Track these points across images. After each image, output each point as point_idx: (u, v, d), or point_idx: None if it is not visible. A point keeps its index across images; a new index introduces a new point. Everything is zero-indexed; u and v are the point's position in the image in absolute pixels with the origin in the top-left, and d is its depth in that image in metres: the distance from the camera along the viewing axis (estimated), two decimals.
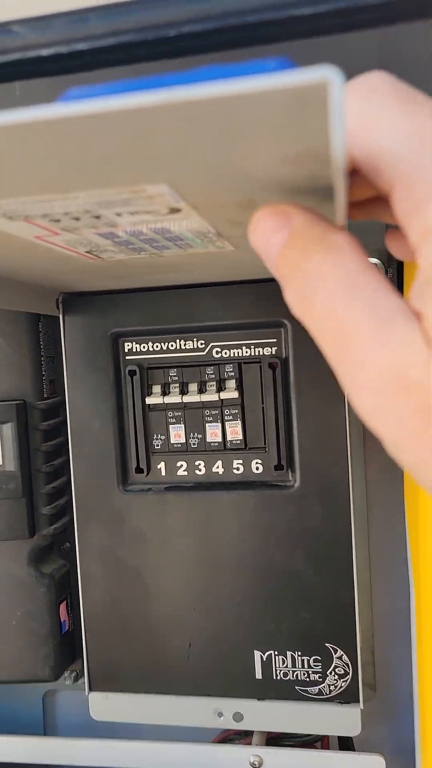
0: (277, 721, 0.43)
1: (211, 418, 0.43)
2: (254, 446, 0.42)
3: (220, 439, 0.43)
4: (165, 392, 0.43)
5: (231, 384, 0.42)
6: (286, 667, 0.42)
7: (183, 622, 0.43)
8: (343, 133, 0.14)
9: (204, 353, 0.42)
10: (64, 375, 0.44)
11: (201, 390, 0.43)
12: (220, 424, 0.43)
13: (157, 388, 0.43)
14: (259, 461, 0.42)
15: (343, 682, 0.42)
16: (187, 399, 0.42)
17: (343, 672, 0.42)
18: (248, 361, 0.42)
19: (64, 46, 0.20)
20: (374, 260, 0.39)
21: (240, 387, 0.42)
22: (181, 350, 0.43)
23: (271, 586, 0.42)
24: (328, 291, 0.18)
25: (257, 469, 0.42)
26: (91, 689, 0.45)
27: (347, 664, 0.42)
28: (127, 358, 0.43)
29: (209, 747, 0.44)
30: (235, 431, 0.42)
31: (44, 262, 0.30)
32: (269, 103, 0.13)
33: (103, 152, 0.16)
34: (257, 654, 0.43)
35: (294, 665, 0.42)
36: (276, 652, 0.42)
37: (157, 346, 0.43)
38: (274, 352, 0.42)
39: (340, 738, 0.46)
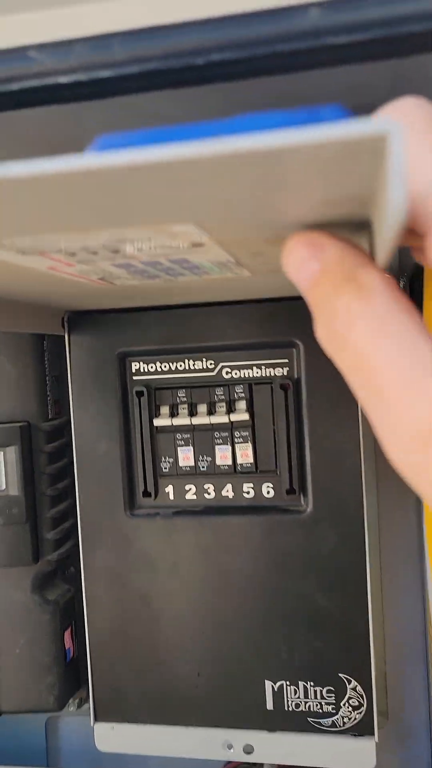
0: (289, 753, 0.42)
1: (220, 441, 0.41)
2: (265, 470, 0.41)
3: (230, 462, 0.41)
4: (173, 414, 0.42)
5: (241, 405, 0.41)
6: (298, 697, 0.41)
7: (191, 651, 0.42)
8: (404, 187, 0.13)
9: (213, 374, 0.41)
10: (69, 396, 0.42)
11: (210, 411, 0.41)
12: (230, 447, 0.41)
13: (165, 410, 0.42)
14: (270, 485, 0.41)
15: (357, 713, 0.41)
16: (196, 421, 0.41)
17: (357, 703, 0.41)
18: (259, 382, 0.41)
19: (85, 74, 0.19)
20: None
21: (251, 409, 0.41)
22: (189, 370, 0.42)
23: (282, 614, 0.41)
24: (358, 334, 0.17)
25: (268, 493, 0.41)
26: (96, 719, 0.43)
27: (361, 695, 0.41)
28: (134, 378, 0.42)
29: None
30: (245, 454, 0.41)
31: (52, 287, 0.29)
32: (324, 155, 0.12)
33: (135, 200, 0.14)
34: (268, 684, 0.41)
35: (306, 696, 0.41)
36: (288, 682, 0.41)
37: (165, 366, 0.42)
38: (285, 373, 0.40)
39: None
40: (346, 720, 0.41)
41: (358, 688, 0.41)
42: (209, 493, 0.42)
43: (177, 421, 0.41)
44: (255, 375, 0.41)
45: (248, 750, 0.42)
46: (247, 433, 0.41)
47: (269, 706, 0.41)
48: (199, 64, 0.18)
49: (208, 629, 0.42)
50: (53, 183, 0.13)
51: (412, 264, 0.41)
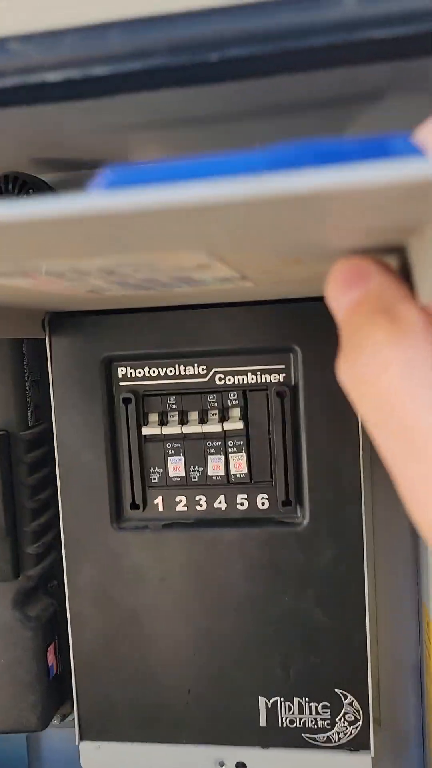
0: None
1: (213, 450, 0.39)
2: (260, 480, 0.39)
3: (223, 473, 0.39)
4: (163, 422, 0.39)
5: (235, 413, 0.39)
6: (293, 713, 0.40)
7: (181, 668, 0.40)
8: None
9: (206, 380, 0.39)
10: (51, 403, 0.40)
11: (202, 419, 0.39)
12: (223, 457, 0.39)
13: (153, 417, 0.40)
14: (265, 496, 0.39)
15: (353, 729, 0.40)
16: (187, 429, 0.39)
17: (353, 719, 0.40)
18: (254, 388, 0.39)
19: (77, 70, 0.16)
20: None
21: (245, 417, 0.39)
22: (180, 376, 0.39)
23: (277, 630, 0.39)
24: (390, 378, 0.15)
25: (263, 504, 0.39)
26: (82, 738, 0.42)
27: (358, 711, 0.39)
28: (120, 384, 0.40)
29: None
30: (239, 464, 0.39)
31: (32, 297, 0.26)
32: (389, 195, 0.10)
33: (145, 235, 0.12)
34: (262, 700, 0.40)
35: (301, 712, 0.40)
36: (282, 699, 0.40)
37: (153, 372, 0.39)
38: (282, 380, 0.38)
39: None
40: (341, 735, 0.40)
41: (355, 703, 0.39)
42: (201, 505, 0.40)
43: (167, 430, 0.39)
44: (250, 381, 0.39)
45: (241, 767, 0.41)
46: (241, 443, 0.39)
47: (263, 722, 0.40)
48: (213, 60, 0.15)
49: (199, 645, 0.40)
50: (57, 225, 0.11)
51: None
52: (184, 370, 0.39)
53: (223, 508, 0.40)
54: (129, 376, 0.39)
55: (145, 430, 0.39)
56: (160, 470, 0.40)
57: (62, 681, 0.44)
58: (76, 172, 0.47)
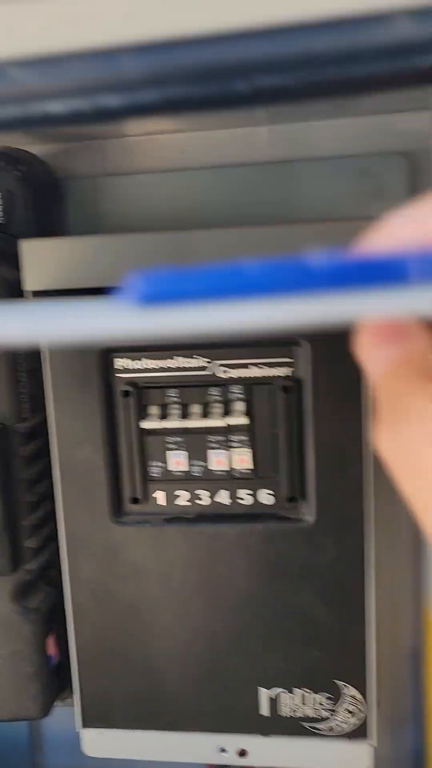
0: (284, 756, 0.41)
1: (216, 445, 0.38)
2: (264, 475, 0.38)
3: (226, 468, 0.38)
4: (163, 415, 0.38)
5: (239, 407, 0.37)
6: (294, 703, 0.40)
7: (182, 659, 0.40)
8: None
9: (208, 372, 0.37)
10: (47, 395, 0.38)
11: (205, 413, 0.38)
12: (226, 452, 0.38)
13: (153, 410, 0.38)
14: (270, 492, 0.38)
15: (354, 719, 0.40)
16: (188, 424, 0.37)
17: (354, 709, 0.40)
18: (259, 382, 0.37)
19: (83, 100, 0.14)
20: None
21: (250, 411, 0.37)
22: (181, 369, 0.37)
23: (279, 624, 0.39)
24: (426, 453, 0.14)
25: (267, 500, 0.38)
26: (84, 725, 0.42)
27: (359, 702, 0.40)
28: (118, 376, 0.38)
29: None
30: (242, 459, 0.38)
31: None
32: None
33: None
34: (263, 691, 0.40)
35: (303, 702, 0.40)
36: (283, 690, 0.40)
37: (153, 363, 0.38)
38: (288, 374, 0.37)
39: None
40: (342, 725, 0.40)
41: (357, 694, 0.39)
42: (203, 500, 0.39)
43: (167, 424, 0.38)
44: (255, 375, 0.37)
45: (242, 754, 0.41)
46: (246, 438, 0.38)
47: (264, 712, 0.40)
48: (240, 89, 0.13)
49: (200, 639, 0.40)
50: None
51: None
52: (186, 362, 0.37)
53: (226, 504, 0.39)
54: (128, 368, 0.38)
55: (145, 424, 0.38)
56: (161, 464, 0.39)
57: (62, 669, 0.44)
58: (68, 144, 0.44)
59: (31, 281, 0.36)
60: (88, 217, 0.47)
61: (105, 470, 0.38)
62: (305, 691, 0.40)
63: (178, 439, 0.38)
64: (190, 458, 0.38)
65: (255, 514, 0.38)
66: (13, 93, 0.14)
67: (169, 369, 0.37)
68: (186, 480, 0.39)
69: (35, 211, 0.43)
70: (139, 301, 0.09)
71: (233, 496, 0.39)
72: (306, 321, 0.08)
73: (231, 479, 0.38)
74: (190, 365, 0.37)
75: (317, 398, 0.36)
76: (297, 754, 0.41)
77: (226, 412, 0.37)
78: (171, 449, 0.38)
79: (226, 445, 0.38)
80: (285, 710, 0.40)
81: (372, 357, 0.15)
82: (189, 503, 0.39)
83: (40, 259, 0.36)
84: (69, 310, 0.08)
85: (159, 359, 0.37)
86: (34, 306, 0.08)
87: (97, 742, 0.42)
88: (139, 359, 0.38)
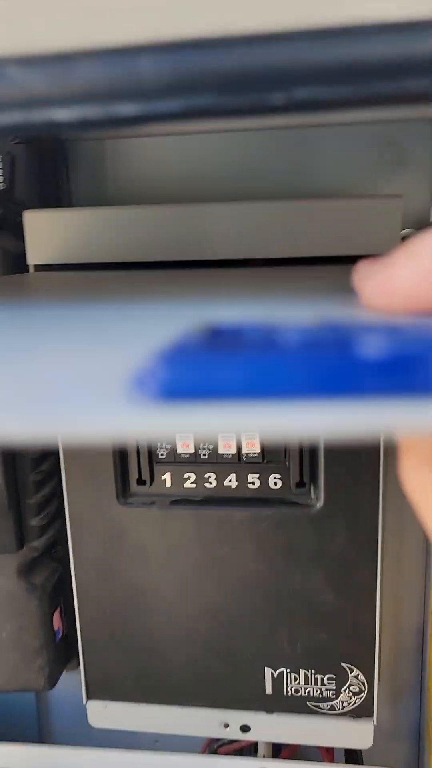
0: (286, 733, 0.41)
1: None
2: (273, 460, 0.37)
3: (234, 451, 0.37)
4: None
5: None
6: (298, 683, 0.40)
7: (188, 638, 0.40)
8: None
9: None
10: None
11: None
12: (234, 435, 0.37)
13: None
14: (278, 476, 0.37)
15: (357, 698, 0.40)
16: None
17: (358, 690, 0.40)
18: None
19: (95, 107, 0.12)
20: None
21: None
22: None
23: (285, 607, 0.39)
24: None
25: (275, 484, 0.38)
26: (89, 698, 0.42)
27: (363, 683, 0.40)
28: None
29: (215, 759, 0.43)
30: (251, 443, 0.37)
31: None
32: None
33: None
34: (268, 671, 0.40)
35: (307, 682, 0.40)
36: (288, 670, 0.40)
37: None
38: None
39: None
40: (345, 704, 0.40)
41: (360, 676, 0.40)
42: (210, 482, 0.38)
43: None
44: None
45: (245, 729, 0.42)
46: None
47: (268, 690, 0.40)
48: (275, 101, 0.11)
49: (206, 618, 0.40)
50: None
51: None
52: None
53: (233, 487, 0.38)
54: None
55: None
56: (168, 446, 0.38)
57: (68, 641, 0.44)
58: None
59: (33, 254, 0.34)
60: (94, 182, 0.45)
61: (112, 450, 0.37)
62: (310, 672, 0.40)
63: None
64: (197, 440, 0.37)
65: (263, 498, 0.38)
66: (13, 96, 0.12)
67: None
68: (193, 462, 0.38)
69: (38, 175, 0.41)
70: (159, 393, 0.08)
71: (241, 480, 0.38)
72: (364, 431, 0.07)
73: (239, 462, 0.37)
74: None
75: None
76: (299, 731, 0.41)
77: None
78: None
79: None
80: (289, 690, 0.40)
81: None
82: (196, 486, 0.38)
83: (44, 231, 0.34)
84: (76, 408, 0.07)
85: None
86: (36, 399, 0.07)
87: (102, 714, 0.43)
88: None
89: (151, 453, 0.38)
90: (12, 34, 0.12)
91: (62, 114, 0.12)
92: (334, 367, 0.07)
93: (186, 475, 0.38)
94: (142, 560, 0.39)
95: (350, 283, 0.13)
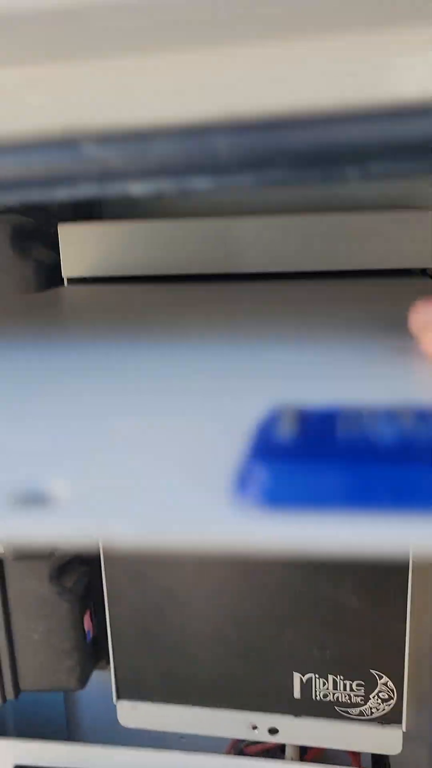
0: (314, 736, 0.42)
1: None
2: None
3: None
4: None
5: None
6: (327, 689, 0.40)
7: (217, 642, 0.40)
8: None
9: None
10: None
11: None
12: None
13: None
14: None
15: (386, 705, 0.40)
16: None
17: (387, 696, 0.40)
18: None
19: (168, 180, 0.12)
20: None
21: None
22: None
23: (315, 613, 0.39)
24: None
25: None
26: (119, 698, 0.43)
27: (392, 690, 0.40)
28: None
29: (241, 761, 0.43)
30: None
31: None
32: None
33: None
34: (296, 675, 0.40)
35: (335, 688, 0.40)
36: (317, 675, 0.40)
37: None
38: None
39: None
40: (374, 710, 0.40)
41: (389, 683, 0.40)
42: None
43: None
44: None
45: (273, 732, 0.42)
46: None
47: (296, 695, 0.41)
48: (349, 174, 0.11)
49: (235, 624, 0.40)
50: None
51: None
52: None
53: None
54: None
55: None
56: None
57: (98, 641, 0.45)
58: None
59: (68, 268, 0.34)
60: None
61: None
62: (339, 678, 0.40)
63: None
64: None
65: None
66: (89, 171, 0.12)
67: None
68: None
69: None
70: (262, 501, 0.08)
71: None
72: None
73: None
74: None
75: None
76: (327, 735, 0.41)
77: None
78: None
79: None
80: (318, 695, 0.40)
81: None
82: None
83: (78, 244, 0.34)
84: (183, 515, 0.07)
85: None
86: (139, 501, 0.07)
87: (131, 714, 0.43)
88: None
89: None
90: (90, 111, 0.12)
91: (137, 187, 0.12)
92: None
93: None
94: (171, 563, 0.39)
95: (395, 310, 0.12)
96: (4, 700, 0.43)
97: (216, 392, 0.14)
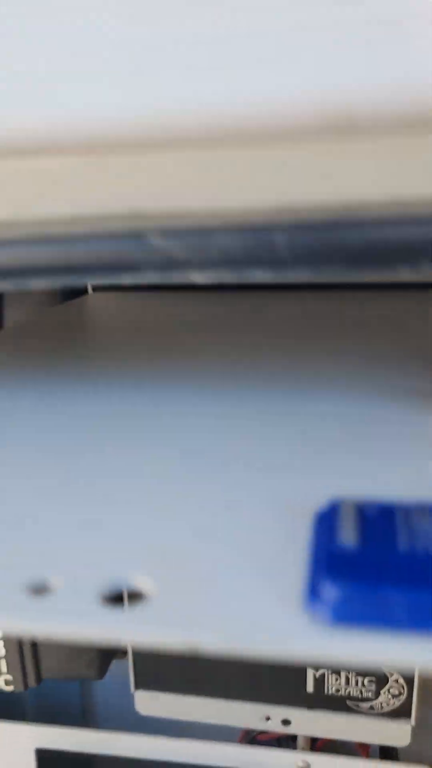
0: (325, 728, 0.43)
1: None
2: None
3: None
4: None
5: None
6: (339, 683, 0.42)
7: None
8: None
9: None
10: None
11: None
12: None
13: None
14: None
15: (396, 700, 0.41)
16: None
17: (397, 692, 0.41)
18: None
19: (228, 272, 0.12)
20: None
21: None
22: None
23: None
24: None
25: None
26: (137, 688, 0.44)
27: (403, 686, 0.41)
28: None
29: (254, 750, 0.45)
30: None
31: None
32: None
33: None
34: (310, 671, 0.42)
35: (348, 683, 0.42)
36: (330, 671, 0.41)
37: None
38: None
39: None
40: (384, 705, 0.42)
41: (400, 679, 0.41)
42: None
43: None
44: None
45: (286, 722, 0.43)
46: None
47: (309, 689, 0.42)
48: (401, 271, 0.11)
49: None
50: None
51: None
52: None
53: None
54: None
55: None
56: None
57: None
58: None
59: None
60: None
61: None
62: (351, 674, 0.41)
63: None
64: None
65: None
66: (154, 260, 0.12)
67: None
68: None
69: None
70: (332, 617, 0.08)
71: None
72: None
73: None
74: None
75: None
76: (338, 727, 0.43)
77: None
78: None
79: None
80: (330, 689, 0.42)
81: None
82: None
83: None
84: (252, 626, 0.08)
85: None
86: (207, 602, 0.08)
87: (149, 703, 0.45)
88: None
89: None
90: (154, 205, 0.12)
91: (198, 276, 0.12)
92: None
93: None
94: None
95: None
96: (26, 687, 0.44)
97: (262, 461, 0.14)
